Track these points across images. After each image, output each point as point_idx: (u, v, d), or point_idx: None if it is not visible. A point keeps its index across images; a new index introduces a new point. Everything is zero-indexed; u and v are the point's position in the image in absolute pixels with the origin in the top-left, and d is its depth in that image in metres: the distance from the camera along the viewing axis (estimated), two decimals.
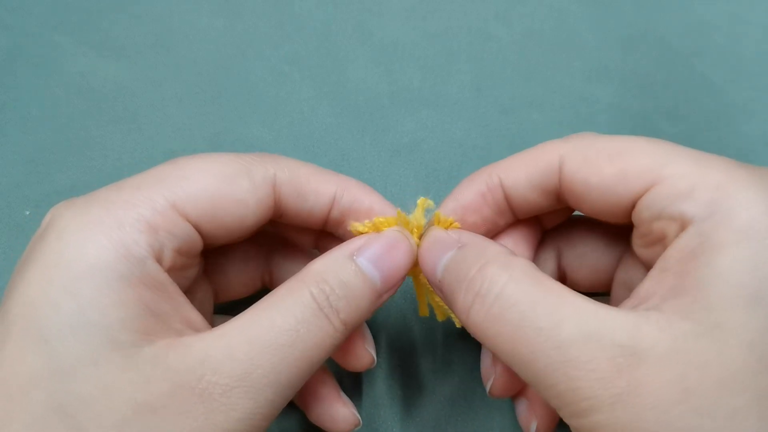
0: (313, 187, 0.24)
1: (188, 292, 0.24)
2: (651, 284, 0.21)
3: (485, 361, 0.27)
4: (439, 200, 0.28)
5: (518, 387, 0.27)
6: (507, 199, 0.25)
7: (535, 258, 0.28)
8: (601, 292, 0.28)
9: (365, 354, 0.26)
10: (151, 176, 0.22)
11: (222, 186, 0.22)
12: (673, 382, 0.18)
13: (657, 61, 0.41)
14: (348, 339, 0.25)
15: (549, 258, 0.28)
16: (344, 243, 0.24)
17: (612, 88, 0.39)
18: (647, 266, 0.23)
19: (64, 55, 0.38)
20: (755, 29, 0.42)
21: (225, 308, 0.28)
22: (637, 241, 0.24)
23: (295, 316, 0.20)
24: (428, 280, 0.25)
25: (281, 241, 0.28)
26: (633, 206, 0.22)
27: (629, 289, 0.25)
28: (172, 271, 0.22)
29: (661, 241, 0.22)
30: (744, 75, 0.40)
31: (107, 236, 0.20)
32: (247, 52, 0.39)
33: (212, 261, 0.26)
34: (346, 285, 0.22)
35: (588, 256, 0.27)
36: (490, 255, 0.22)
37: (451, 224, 0.25)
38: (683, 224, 0.20)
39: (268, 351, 0.19)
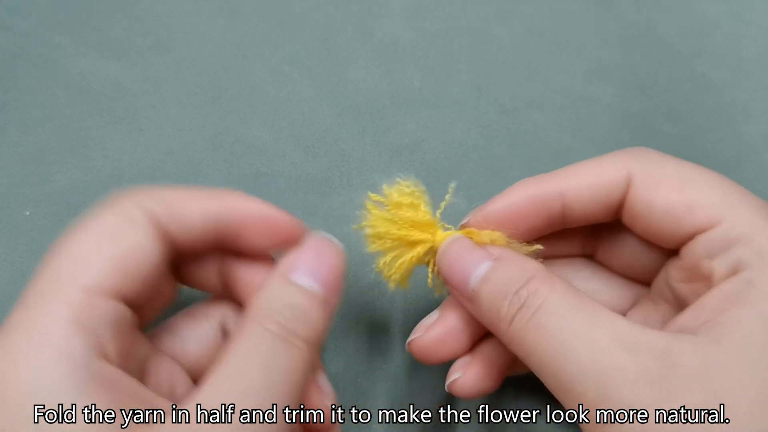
0: (180, 204, 0.23)
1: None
2: (686, 318, 0.21)
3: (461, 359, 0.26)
4: (438, 201, 0.28)
5: (485, 388, 0.26)
6: (565, 210, 0.24)
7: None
8: None
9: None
10: (47, 278, 0.20)
11: (114, 244, 0.21)
12: (706, 396, 0.18)
13: (657, 61, 0.41)
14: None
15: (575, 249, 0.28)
16: (276, 267, 0.23)
17: (612, 88, 0.39)
18: (679, 300, 0.24)
19: (64, 56, 0.38)
20: (755, 29, 0.42)
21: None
22: (674, 273, 0.24)
23: (260, 366, 0.20)
24: (455, 289, 0.25)
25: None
26: (690, 238, 0.22)
27: (664, 300, 0.25)
28: (123, 357, 0.21)
29: (704, 279, 0.22)
30: (744, 75, 0.40)
31: (40, 355, 0.18)
32: (248, 52, 0.39)
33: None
34: (293, 307, 0.22)
35: (624, 256, 0.27)
36: (533, 270, 0.23)
37: (470, 233, 0.25)
38: (735, 269, 0.21)
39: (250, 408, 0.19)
